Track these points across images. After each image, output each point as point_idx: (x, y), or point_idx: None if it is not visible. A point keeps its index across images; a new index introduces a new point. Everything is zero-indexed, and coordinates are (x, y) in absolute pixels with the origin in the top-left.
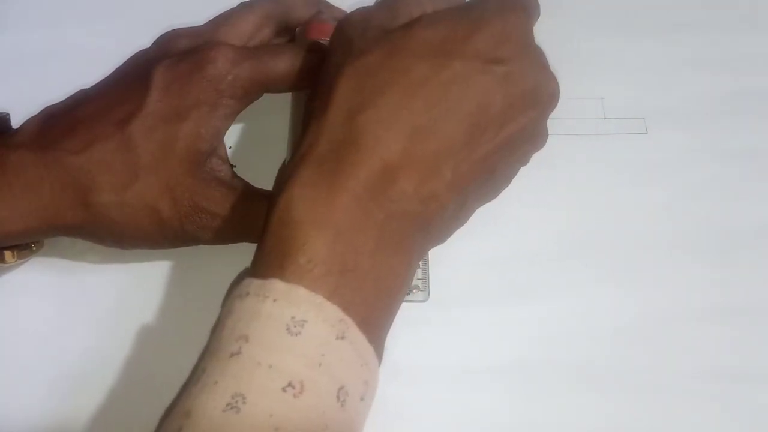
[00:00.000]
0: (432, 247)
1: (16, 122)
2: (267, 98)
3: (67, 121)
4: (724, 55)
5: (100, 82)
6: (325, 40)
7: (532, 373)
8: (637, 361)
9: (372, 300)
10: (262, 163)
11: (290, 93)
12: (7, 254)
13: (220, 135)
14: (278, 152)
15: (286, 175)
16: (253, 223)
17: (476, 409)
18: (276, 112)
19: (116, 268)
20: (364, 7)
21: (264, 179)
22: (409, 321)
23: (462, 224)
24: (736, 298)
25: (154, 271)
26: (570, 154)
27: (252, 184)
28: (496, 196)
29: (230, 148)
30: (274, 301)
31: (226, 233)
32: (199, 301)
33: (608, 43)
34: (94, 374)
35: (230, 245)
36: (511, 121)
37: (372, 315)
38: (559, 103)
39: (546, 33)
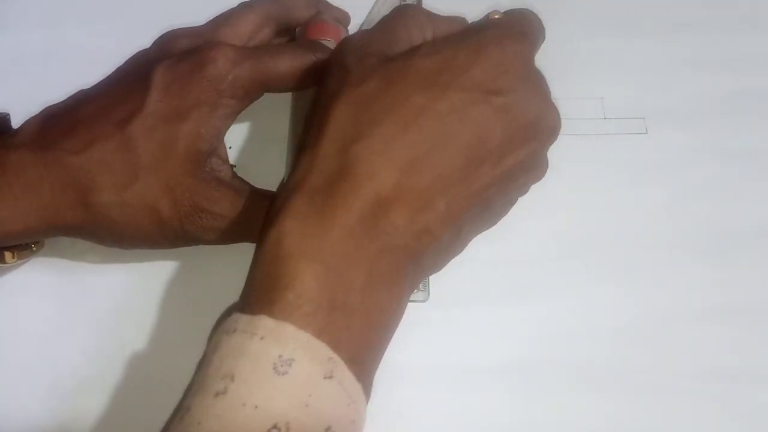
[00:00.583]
0: (426, 277)
1: (16, 122)
2: (267, 98)
3: (67, 121)
4: (724, 55)
5: (100, 82)
6: (325, 40)
7: (532, 373)
8: (637, 361)
9: (361, 337)
10: (262, 163)
11: (290, 93)
12: (7, 254)
13: (220, 135)
14: (278, 152)
15: (277, 207)
16: (253, 223)
17: (476, 409)
18: (276, 112)
19: (116, 268)
20: (363, 31)
21: (264, 179)
22: (409, 321)
23: (457, 253)
24: (736, 298)
25: (154, 271)
26: (570, 154)
27: (252, 184)
28: (493, 225)
29: (230, 148)
30: (262, 338)
31: (227, 233)
32: (199, 302)
33: (608, 43)
34: (94, 374)
35: (230, 245)
36: (509, 153)
37: (361, 352)
38: (559, 103)
39: (546, 33)
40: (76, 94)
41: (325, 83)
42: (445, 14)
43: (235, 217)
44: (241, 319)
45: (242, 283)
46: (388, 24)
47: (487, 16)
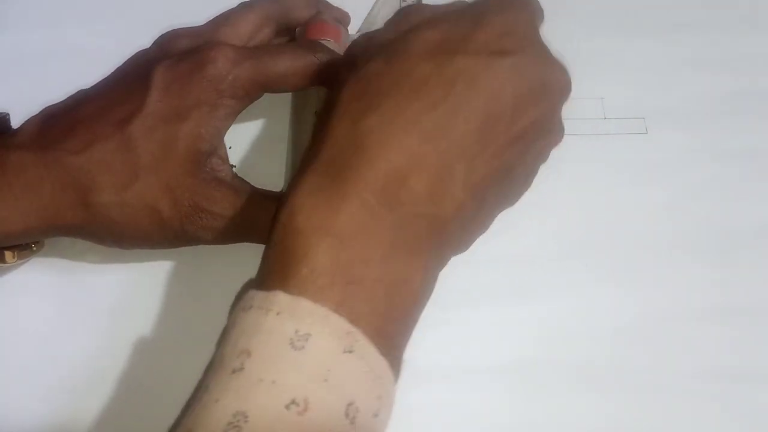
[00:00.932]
0: (453, 254)
1: (16, 122)
2: (267, 98)
3: (67, 121)
4: (724, 55)
5: (100, 82)
6: (325, 40)
7: (532, 373)
8: (637, 361)
9: (384, 310)
10: (262, 163)
11: (290, 93)
12: (8, 254)
13: (220, 135)
14: (278, 152)
15: (291, 185)
16: (254, 223)
17: (476, 409)
18: (276, 112)
19: (116, 268)
20: (367, 34)
21: (264, 179)
22: None
23: (484, 230)
24: (736, 298)
25: (154, 271)
26: (570, 154)
27: (252, 184)
28: (517, 199)
29: (230, 148)
30: (277, 314)
31: (227, 233)
32: (199, 301)
33: (608, 43)
34: (94, 374)
35: (230, 245)
36: (522, 114)
37: (385, 326)
38: None
39: (546, 33)
40: (75, 94)
41: (335, 80)
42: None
43: (235, 217)
44: (257, 296)
45: (240, 283)
46: (393, 23)
47: None
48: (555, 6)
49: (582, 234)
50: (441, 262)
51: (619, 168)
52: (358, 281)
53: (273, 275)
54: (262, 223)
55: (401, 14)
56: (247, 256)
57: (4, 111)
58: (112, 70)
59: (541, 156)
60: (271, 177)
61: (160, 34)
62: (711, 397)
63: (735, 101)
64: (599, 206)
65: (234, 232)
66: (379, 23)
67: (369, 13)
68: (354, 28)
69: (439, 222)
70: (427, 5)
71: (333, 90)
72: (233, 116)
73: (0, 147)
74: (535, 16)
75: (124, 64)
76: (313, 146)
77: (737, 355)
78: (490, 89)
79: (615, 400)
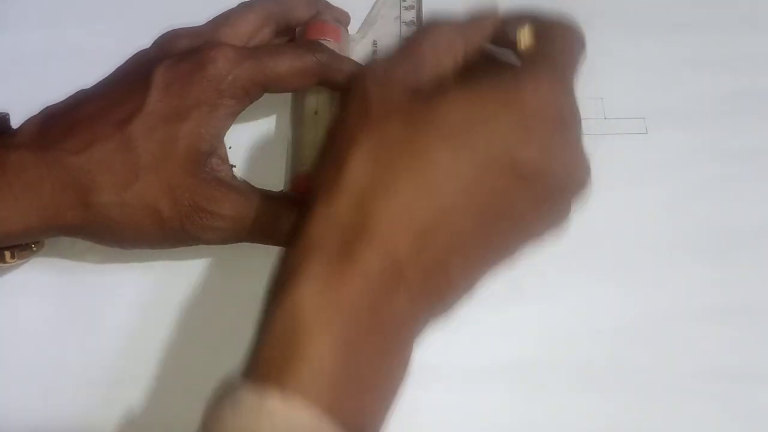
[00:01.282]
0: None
1: (16, 122)
2: (267, 98)
3: (67, 121)
4: (724, 55)
5: (100, 82)
6: (325, 40)
7: (532, 373)
8: (637, 361)
9: (369, 406)
10: (262, 163)
11: (290, 93)
12: (7, 254)
13: (220, 135)
14: (278, 152)
15: (291, 266)
16: (254, 223)
17: (476, 409)
18: (276, 112)
19: (116, 268)
20: (386, 59)
21: (264, 179)
22: None
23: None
24: (736, 298)
25: (154, 271)
26: None
27: (252, 184)
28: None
29: (230, 148)
30: (270, 415)
31: (227, 233)
32: (199, 301)
33: (608, 43)
34: (94, 374)
35: (230, 245)
36: (533, 216)
37: (366, 420)
38: None
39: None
40: (75, 94)
41: (344, 111)
42: (470, 13)
43: (235, 217)
44: (248, 394)
45: (242, 284)
46: (415, 46)
47: (515, 30)
48: (555, 6)
49: (582, 234)
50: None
51: (619, 168)
52: (354, 380)
53: (268, 369)
54: (262, 224)
55: (427, 35)
56: (247, 257)
57: (3, 111)
58: (112, 70)
59: (539, 240)
60: (271, 177)
61: (160, 34)
62: (711, 397)
63: (735, 101)
64: (599, 206)
65: (234, 232)
66: (379, 23)
67: (369, 13)
68: (354, 28)
69: (427, 311)
70: (454, 24)
71: (340, 118)
72: (233, 116)
73: (0, 147)
74: (572, 81)
75: (124, 64)
76: (316, 214)
77: (737, 355)
78: (504, 194)
79: (615, 400)
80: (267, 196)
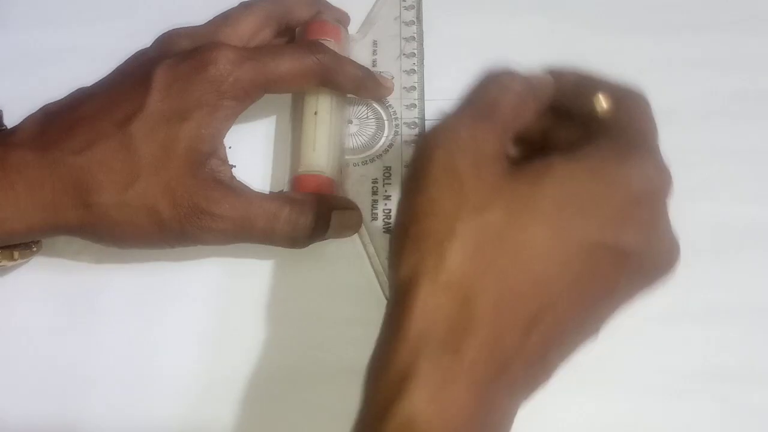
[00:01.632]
0: None
1: (15, 121)
2: (267, 98)
3: (68, 121)
4: (724, 55)
5: (99, 81)
6: (325, 39)
7: None
8: (637, 361)
9: None
10: (262, 164)
11: (290, 94)
12: (8, 254)
13: (220, 136)
14: (278, 152)
15: (398, 363)
16: (253, 223)
17: None
18: (276, 112)
19: (116, 268)
20: (463, 116)
21: (264, 179)
22: None
23: None
24: (736, 298)
25: (153, 271)
26: None
27: (251, 184)
28: None
29: (230, 148)
30: None
31: (226, 234)
32: (198, 301)
33: (608, 43)
34: (94, 374)
35: (230, 246)
36: (627, 298)
37: None
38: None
39: (547, 33)
40: (75, 92)
41: (423, 190)
42: (530, 74)
43: (235, 217)
44: None
45: (240, 283)
46: (495, 105)
47: (587, 92)
48: (555, 6)
49: None
50: None
51: None
52: None
53: None
54: (260, 225)
55: (503, 93)
56: (247, 257)
57: None
58: (112, 70)
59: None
60: (271, 177)
61: (159, 34)
62: (711, 397)
63: (735, 101)
64: None
65: (233, 232)
66: (379, 23)
67: (369, 13)
68: (354, 28)
69: (522, 398)
70: (520, 77)
71: (422, 196)
72: (233, 117)
73: (1, 145)
74: (666, 165)
75: (124, 63)
76: (417, 304)
77: (737, 355)
78: (604, 278)
79: (615, 400)
80: (266, 198)
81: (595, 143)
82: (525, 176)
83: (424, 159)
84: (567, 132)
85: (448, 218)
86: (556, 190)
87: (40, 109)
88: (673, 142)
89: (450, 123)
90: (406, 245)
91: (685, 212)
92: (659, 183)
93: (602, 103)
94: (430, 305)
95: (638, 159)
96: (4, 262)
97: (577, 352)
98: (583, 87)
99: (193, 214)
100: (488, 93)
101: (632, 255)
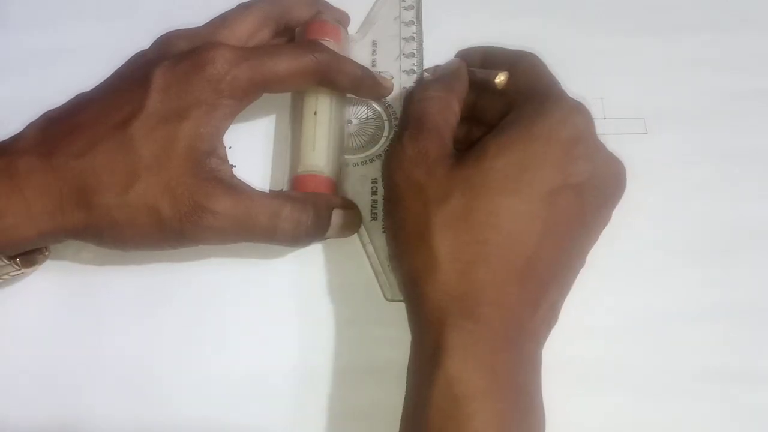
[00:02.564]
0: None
1: (15, 122)
2: (267, 98)
3: (69, 125)
4: (724, 55)
5: (99, 84)
6: (325, 39)
7: None
8: (637, 361)
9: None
10: (262, 163)
11: (290, 93)
12: (28, 260)
13: (219, 134)
14: (278, 152)
15: (427, 343)
16: (253, 223)
17: None
18: (276, 112)
19: (116, 268)
20: (406, 138)
21: (264, 179)
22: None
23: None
24: (736, 298)
25: (153, 271)
26: None
27: (252, 184)
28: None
29: (230, 148)
30: None
31: (226, 233)
32: (198, 301)
33: (608, 43)
34: (94, 374)
35: (230, 246)
36: (597, 222)
37: None
38: None
39: (546, 33)
40: (75, 97)
41: (398, 203)
42: (443, 70)
43: (234, 216)
44: None
45: (240, 283)
46: (424, 119)
47: (489, 76)
48: (555, 6)
49: None
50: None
51: None
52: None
53: None
54: (262, 224)
55: (426, 103)
56: (247, 257)
57: None
58: (112, 70)
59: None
60: (271, 177)
61: (159, 35)
62: (711, 397)
63: (735, 101)
64: None
65: (233, 232)
66: (378, 23)
67: (369, 13)
68: (354, 28)
69: (543, 336)
70: (442, 82)
71: (400, 212)
72: (232, 116)
73: (5, 154)
74: (573, 100)
75: (123, 66)
76: (426, 293)
77: (737, 355)
78: (573, 212)
79: (615, 400)
80: (267, 196)
81: (514, 111)
82: (469, 162)
83: (391, 182)
84: (491, 100)
85: (422, 217)
86: (497, 162)
87: (42, 115)
88: (673, 142)
89: (398, 148)
90: (400, 249)
91: (685, 212)
92: (581, 120)
93: (500, 78)
94: (437, 288)
95: (553, 109)
96: (24, 270)
97: (557, 336)
98: (487, 61)
99: (194, 212)
100: (415, 110)
101: (586, 184)
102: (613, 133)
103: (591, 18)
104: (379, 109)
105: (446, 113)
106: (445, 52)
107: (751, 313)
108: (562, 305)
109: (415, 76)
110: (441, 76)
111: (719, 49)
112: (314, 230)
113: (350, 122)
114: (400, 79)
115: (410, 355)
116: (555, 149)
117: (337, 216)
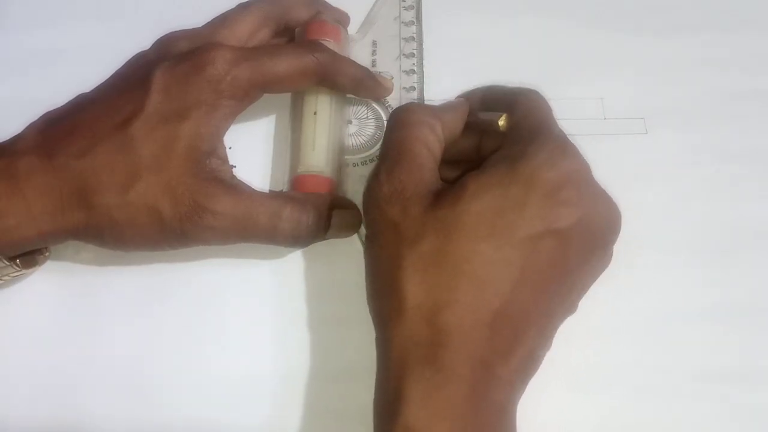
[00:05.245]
0: None
1: (15, 122)
2: (267, 98)
3: (69, 126)
4: (724, 55)
5: (99, 85)
6: (325, 40)
7: None
8: (638, 361)
9: None
10: (262, 163)
11: (290, 93)
12: (28, 261)
13: (219, 135)
14: (278, 152)
15: (390, 390)
16: (253, 223)
17: None
18: (276, 112)
19: (116, 269)
20: (383, 171)
21: (264, 179)
22: None
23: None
24: (736, 298)
25: (154, 271)
26: None
27: (251, 184)
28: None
29: (230, 148)
30: None
31: (226, 233)
32: (198, 301)
33: (608, 43)
34: (94, 374)
35: (229, 246)
36: (585, 268)
37: None
38: (558, 104)
39: (546, 33)
40: (75, 98)
41: (374, 241)
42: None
43: (234, 216)
44: None
45: (240, 283)
46: (403, 148)
47: (493, 118)
48: (555, 5)
49: None
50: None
51: (619, 168)
52: None
53: None
54: (262, 224)
55: (406, 130)
56: (247, 257)
57: None
58: (113, 70)
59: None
60: (271, 177)
61: (160, 35)
62: (711, 397)
63: (735, 101)
64: None
65: (233, 232)
66: (378, 23)
67: (369, 14)
68: (354, 29)
69: (517, 386)
70: (425, 109)
71: (374, 250)
72: (232, 117)
73: (6, 155)
74: (568, 140)
75: (123, 66)
76: (392, 340)
77: (737, 355)
78: (554, 260)
79: (615, 400)
80: (267, 196)
81: (501, 150)
82: (445, 202)
83: (368, 219)
84: (495, 142)
85: (394, 258)
86: (473, 204)
87: (42, 116)
88: (673, 142)
89: (373, 184)
90: (372, 289)
91: (685, 212)
92: (569, 162)
93: (502, 121)
94: (401, 333)
95: (538, 150)
96: (24, 270)
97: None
98: (487, 99)
99: (194, 212)
100: (395, 138)
101: (572, 230)
102: (613, 133)
103: (591, 18)
104: (378, 109)
105: (429, 140)
106: (445, 52)
107: (751, 313)
108: (544, 354)
109: (415, 76)
110: (431, 106)
111: (719, 49)
112: (314, 230)
113: (350, 122)
114: (400, 79)
115: (374, 397)
116: (537, 193)
117: (337, 216)
